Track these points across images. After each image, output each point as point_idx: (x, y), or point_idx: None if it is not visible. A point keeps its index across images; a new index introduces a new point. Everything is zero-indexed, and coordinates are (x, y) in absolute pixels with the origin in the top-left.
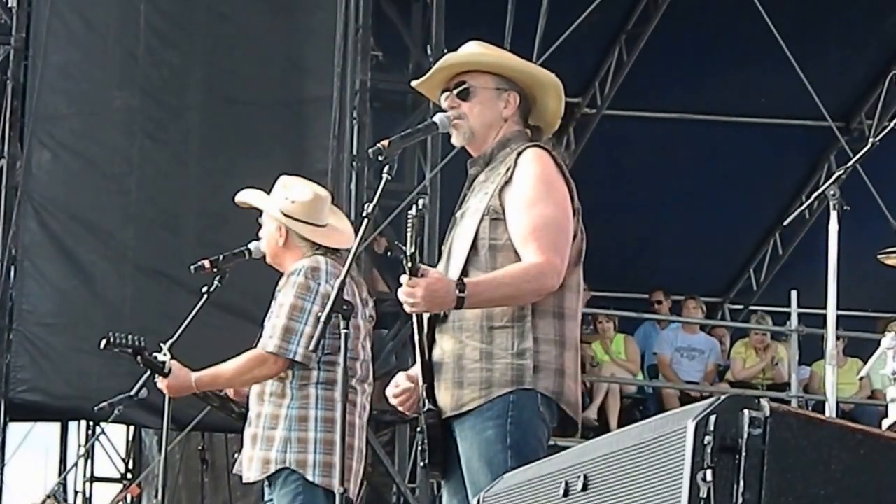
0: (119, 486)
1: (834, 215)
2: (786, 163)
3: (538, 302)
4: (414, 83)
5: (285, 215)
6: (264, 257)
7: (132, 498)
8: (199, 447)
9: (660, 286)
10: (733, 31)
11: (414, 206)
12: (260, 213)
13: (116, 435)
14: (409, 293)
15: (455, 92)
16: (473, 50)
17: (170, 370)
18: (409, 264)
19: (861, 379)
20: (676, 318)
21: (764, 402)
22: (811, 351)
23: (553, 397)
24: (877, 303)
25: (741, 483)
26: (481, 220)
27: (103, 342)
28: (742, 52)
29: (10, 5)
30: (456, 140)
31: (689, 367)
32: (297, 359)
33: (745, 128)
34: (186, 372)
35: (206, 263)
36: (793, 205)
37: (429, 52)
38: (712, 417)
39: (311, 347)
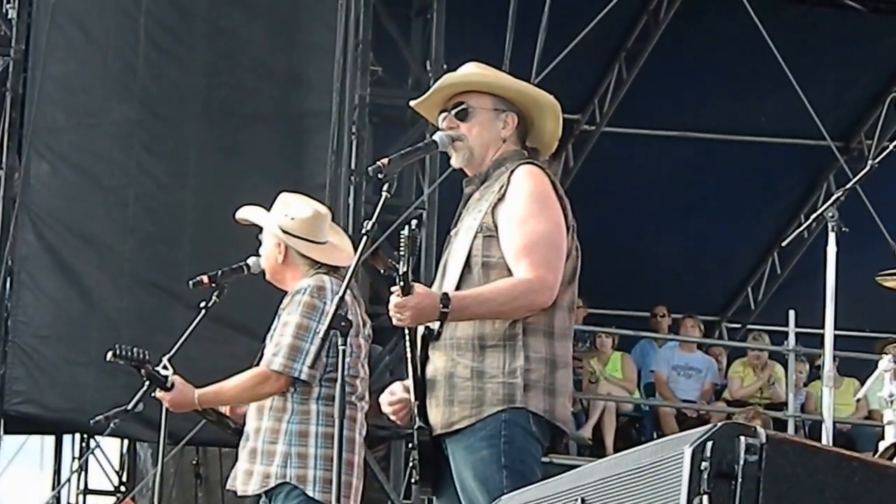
0: (113, 499)
1: (832, 237)
2: (785, 182)
3: (529, 320)
4: (412, 103)
5: (284, 232)
6: (263, 273)
7: None
8: (194, 462)
9: (658, 304)
10: (733, 50)
11: (407, 227)
12: (261, 229)
13: (110, 447)
14: (399, 311)
15: (453, 112)
16: (472, 70)
17: (172, 384)
18: (402, 283)
19: (859, 401)
20: (674, 336)
21: (760, 429)
22: (808, 371)
23: (544, 416)
24: (874, 323)
25: None
26: (474, 237)
27: (109, 354)
28: (742, 71)
29: (9, 17)
30: (455, 161)
31: (686, 386)
32: (303, 377)
33: (744, 146)
34: (190, 388)
35: (205, 278)
36: (791, 224)
37: (428, 67)
38: (709, 444)
39: (308, 364)
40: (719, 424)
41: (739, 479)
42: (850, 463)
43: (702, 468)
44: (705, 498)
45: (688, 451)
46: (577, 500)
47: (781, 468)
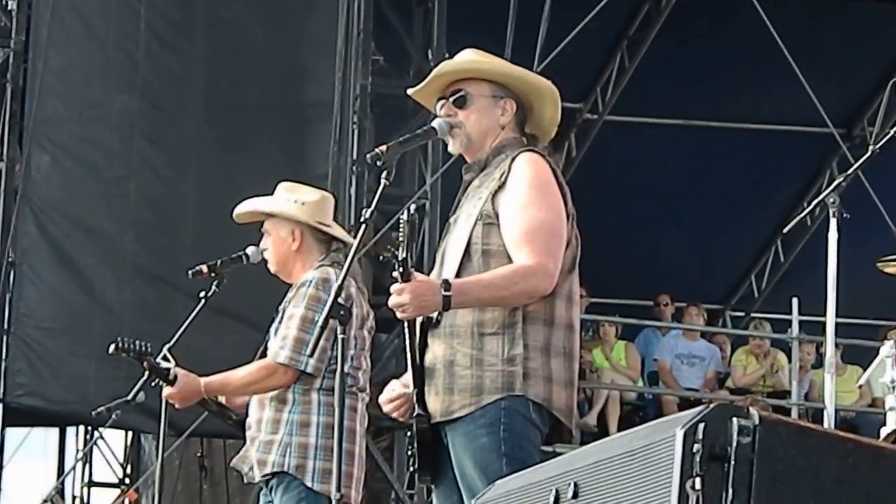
0: (117, 491)
1: (833, 223)
2: (788, 170)
3: (529, 308)
4: (410, 91)
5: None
6: (262, 262)
7: (130, 503)
8: (198, 454)
9: (662, 293)
10: (735, 38)
11: (406, 212)
12: (260, 224)
13: (115, 440)
14: (397, 299)
15: (451, 100)
16: (469, 57)
17: (175, 377)
18: (401, 269)
19: (860, 387)
20: (677, 324)
21: (753, 410)
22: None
23: (543, 404)
24: (879, 310)
25: (730, 492)
26: (475, 224)
27: (112, 347)
28: (744, 59)
29: (9, 8)
30: (453, 148)
31: (689, 374)
32: (309, 370)
33: (746, 134)
34: (194, 378)
35: (204, 268)
36: (795, 212)
37: (430, 56)
38: (701, 426)
39: (307, 353)
40: (712, 406)
41: (732, 461)
42: (844, 444)
43: (694, 450)
44: (697, 480)
45: (679, 434)
46: (570, 484)
47: (775, 450)
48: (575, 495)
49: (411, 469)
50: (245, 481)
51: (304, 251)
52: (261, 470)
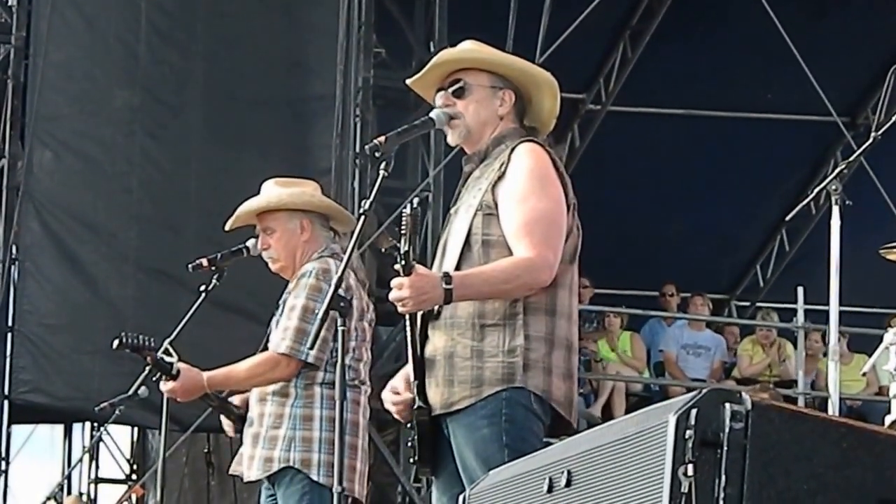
0: (124, 488)
1: (836, 210)
2: (792, 159)
3: (530, 299)
4: (408, 81)
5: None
6: (262, 255)
7: (137, 499)
8: (205, 450)
9: (667, 283)
10: (738, 27)
11: (409, 205)
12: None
13: (122, 436)
14: (398, 293)
15: (450, 90)
16: (468, 47)
17: (178, 371)
18: (402, 262)
19: (865, 375)
20: (683, 315)
21: (746, 395)
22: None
23: (543, 396)
24: (885, 299)
25: (723, 477)
26: (475, 215)
27: (115, 342)
28: (747, 48)
29: (10, 4)
30: (452, 139)
31: (695, 365)
32: (310, 360)
33: (750, 124)
34: (197, 372)
35: (204, 262)
36: (799, 201)
37: (431, 49)
38: (693, 411)
39: (308, 345)
40: (704, 391)
41: (725, 447)
42: (838, 428)
43: (686, 436)
44: (690, 467)
45: (672, 420)
46: (563, 472)
47: (768, 435)
48: (568, 483)
49: (412, 461)
50: (244, 481)
51: (312, 241)
52: (267, 467)
